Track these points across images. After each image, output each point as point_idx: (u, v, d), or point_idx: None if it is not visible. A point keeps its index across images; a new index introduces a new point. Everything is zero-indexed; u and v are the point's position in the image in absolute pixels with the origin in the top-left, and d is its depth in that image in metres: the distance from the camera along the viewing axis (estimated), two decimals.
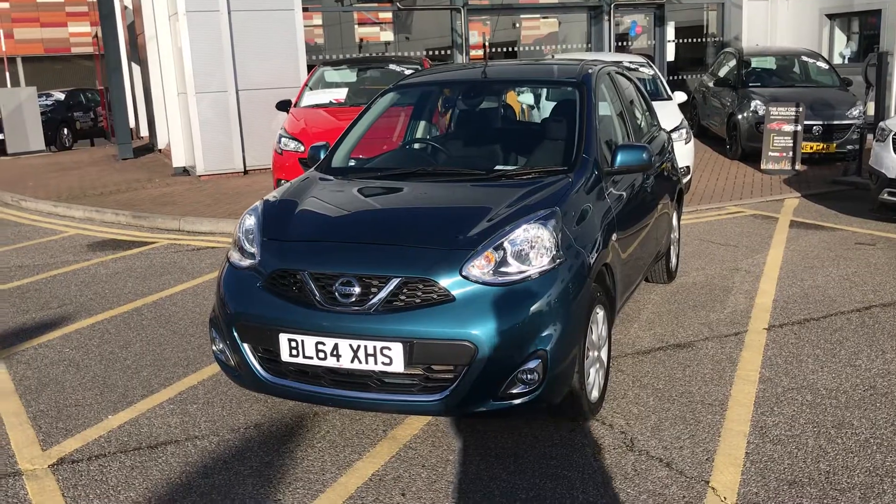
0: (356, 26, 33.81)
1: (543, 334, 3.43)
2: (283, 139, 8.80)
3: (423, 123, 5.22)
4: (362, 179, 4.39)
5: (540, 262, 3.51)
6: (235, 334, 3.72)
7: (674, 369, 4.55)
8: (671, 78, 16.88)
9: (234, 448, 3.79)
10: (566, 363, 3.54)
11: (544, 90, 5.19)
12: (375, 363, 3.43)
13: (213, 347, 3.93)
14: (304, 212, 4.01)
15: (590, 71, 4.83)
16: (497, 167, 4.33)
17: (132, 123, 22.77)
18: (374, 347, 3.41)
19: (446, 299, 3.40)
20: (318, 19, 33.37)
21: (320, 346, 3.49)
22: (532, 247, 3.54)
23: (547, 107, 5.81)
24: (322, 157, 4.78)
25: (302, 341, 3.52)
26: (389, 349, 3.40)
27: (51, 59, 46.67)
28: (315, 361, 3.52)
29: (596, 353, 3.92)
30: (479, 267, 3.45)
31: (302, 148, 8.43)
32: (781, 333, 5.09)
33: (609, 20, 15.45)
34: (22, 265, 7.74)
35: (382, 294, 3.44)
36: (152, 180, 12.83)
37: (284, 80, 12.31)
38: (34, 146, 22.09)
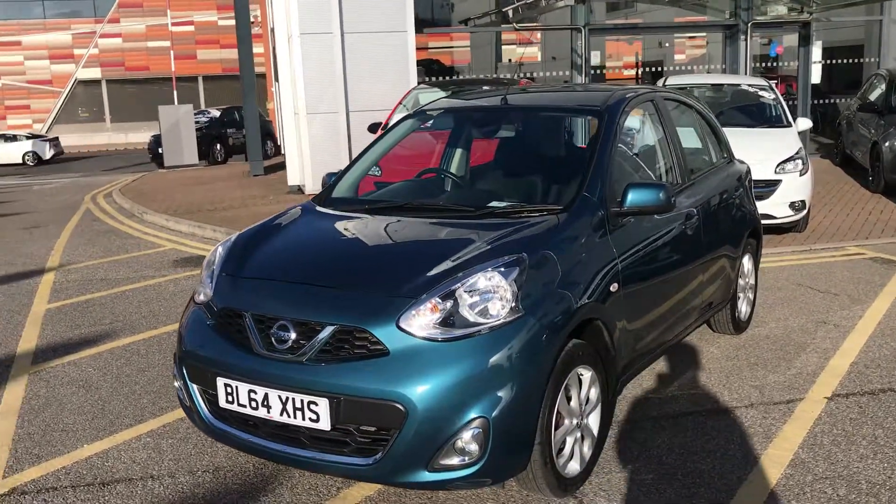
0: (504, 46, 33.79)
1: (487, 399, 3.00)
2: None
3: (444, 151, 4.88)
4: (347, 213, 4.09)
5: (494, 315, 3.09)
6: (185, 373, 3.54)
7: (695, 441, 3.96)
8: (817, 101, 15.56)
9: (179, 493, 3.58)
10: (518, 433, 3.09)
11: (565, 119, 4.71)
12: (303, 418, 3.13)
13: (175, 384, 3.76)
14: (271, 246, 3.77)
15: (619, 99, 4.32)
16: (492, 203, 3.92)
17: (279, 140, 23.74)
18: (302, 401, 3.11)
19: (380, 353, 3.05)
20: (465, 41, 33.61)
21: (252, 395, 3.23)
22: (486, 297, 3.12)
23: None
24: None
25: (236, 387, 3.27)
26: (317, 404, 3.09)
27: (229, 77, 49.75)
28: (248, 410, 3.27)
29: (575, 421, 3.43)
30: (422, 317, 3.07)
31: (378, 172, 8.26)
32: (844, 405, 4.35)
33: (746, 40, 14.42)
34: (105, 278, 8.01)
35: (316, 342, 3.14)
36: (266, 197, 13.14)
37: (395, 102, 12.28)
38: (188, 160, 23.47)
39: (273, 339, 3.23)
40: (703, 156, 5.26)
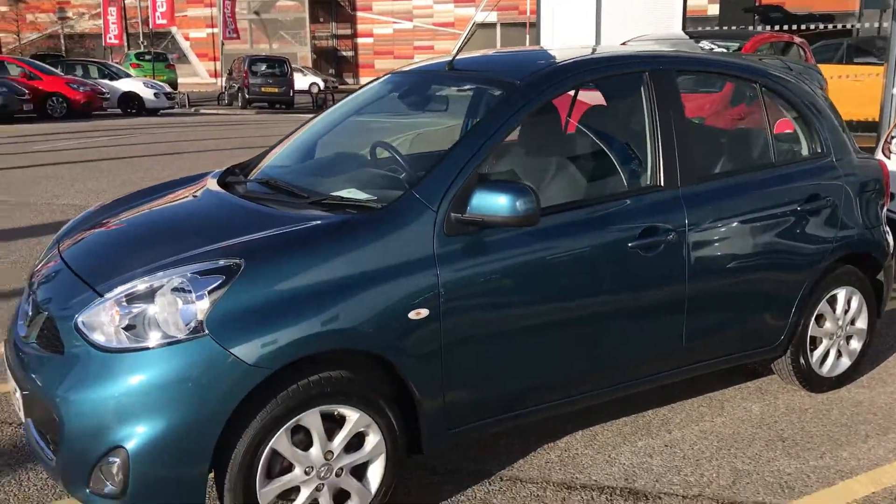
0: None
1: (130, 427, 2.52)
2: None
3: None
4: (223, 187, 3.61)
5: (168, 331, 2.57)
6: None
7: None
8: None
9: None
10: (175, 475, 2.56)
11: (483, 92, 3.67)
12: (15, 403, 2.95)
13: None
14: (104, 216, 3.54)
15: (550, 71, 3.30)
16: (340, 192, 3.24)
17: None
18: (14, 386, 2.93)
19: (58, 350, 2.73)
20: None
21: (7, 370, 3.12)
22: (168, 307, 2.61)
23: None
24: None
25: (5, 356, 3.19)
26: (17, 391, 2.89)
27: None
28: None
29: (318, 472, 2.76)
30: (102, 318, 2.63)
31: None
32: None
33: None
34: None
35: (35, 326, 2.91)
36: None
37: None
38: None
39: (25, 314, 3.08)
40: (762, 150, 3.88)
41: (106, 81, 24.53)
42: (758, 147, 3.91)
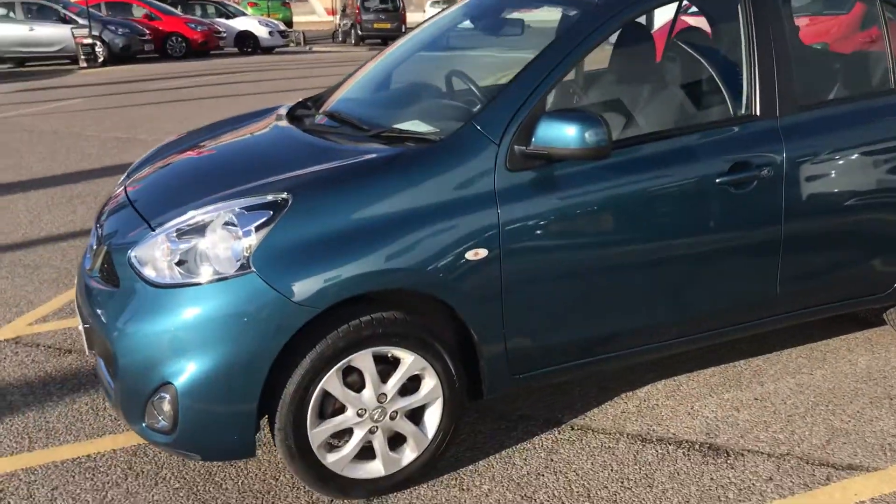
0: None
1: (178, 364, 2.48)
2: None
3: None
4: (283, 122, 3.50)
5: (214, 267, 2.50)
6: None
7: (613, 474, 2.83)
8: None
9: (60, 376, 3.68)
10: (225, 412, 2.52)
11: (559, 12, 3.33)
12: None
13: None
14: (172, 151, 3.50)
15: None
16: (402, 124, 3.07)
17: None
18: (79, 317, 2.96)
19: (115, 284, 2.71)
20: None
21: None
22: (219, 243, 2.53)
23: None
24: None
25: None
26: (78, 323, 2.91)
27: None
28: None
29: (371, 414, 2.67)
30: (153, 253, 2.59)
31: None
32: None
33: None
34: None
35: (98, 258, 2.91)
36: None
37: None
38: None
39: (91, 247, 3.09)
40: (881, 75, 3.44)
41: (222, 20, 25.02)
42: (876, 71, 3.48)
